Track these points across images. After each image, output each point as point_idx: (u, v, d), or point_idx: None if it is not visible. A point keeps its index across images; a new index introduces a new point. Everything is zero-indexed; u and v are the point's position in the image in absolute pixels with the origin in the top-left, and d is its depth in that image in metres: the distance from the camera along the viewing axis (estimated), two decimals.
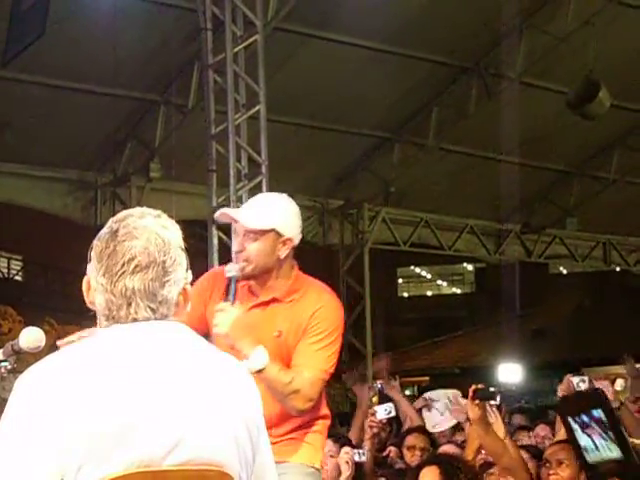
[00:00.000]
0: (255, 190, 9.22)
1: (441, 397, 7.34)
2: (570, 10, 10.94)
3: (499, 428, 5.11)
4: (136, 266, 2.17)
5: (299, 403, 3.90)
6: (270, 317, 3.99)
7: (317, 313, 3.97)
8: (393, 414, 6.58)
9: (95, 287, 2.20)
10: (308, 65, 10.93)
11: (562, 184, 14.64)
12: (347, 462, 5.64)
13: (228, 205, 9.00)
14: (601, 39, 11.12)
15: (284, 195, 4.08)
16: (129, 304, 2.17)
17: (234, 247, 4.06)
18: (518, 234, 15.35)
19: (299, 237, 4.04)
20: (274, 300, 4.01)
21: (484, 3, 10.59)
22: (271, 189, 9.25)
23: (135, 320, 2.18)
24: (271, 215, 3.97)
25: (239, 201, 9.07)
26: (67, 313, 14.53)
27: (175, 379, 2.16)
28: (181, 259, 2.25)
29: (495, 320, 22.24)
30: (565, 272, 24.49)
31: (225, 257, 9.08)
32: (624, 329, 19.16)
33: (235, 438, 2.21)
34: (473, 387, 5.09)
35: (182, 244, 2.28)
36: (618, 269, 17.56)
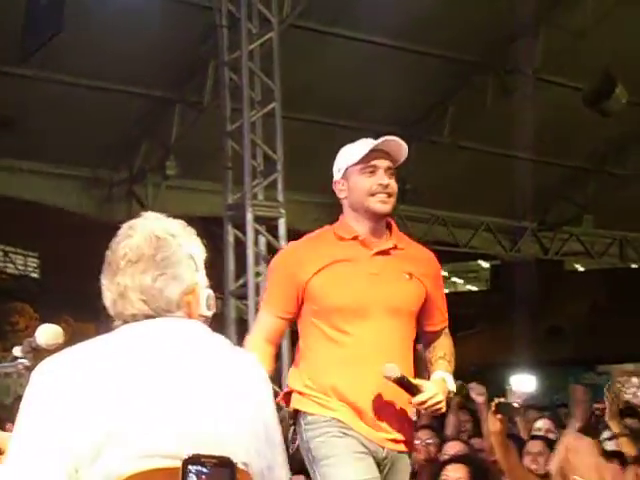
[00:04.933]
0: (270, 187, 9.24)
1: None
2: (587, 6, 10.89)
3: None
4: (128, 261, 2.23)
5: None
6: (394, 262, 3.88)
7: (435, 263, 4.05)
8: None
9: (103, 289, 2.27)
10: (323, 62, 10.93)
11: (578, 181, 14.60)
12: None
13: (243, 203, 9.00)
14: (618, 35, 11.10)
15: None
16: (124, 299, 2.20)
17: (382, 181, 3.83)
18: (534, 231, 15.32)
19: None
20: (395, 247, 3.92)
21: None
22: (286, 186, 9.26)
23: (134, 315, 2.23)
24: (403, 145, 3.87)
25: (254, 198, 9.08)
26: (83, 310, 14.56)
27: (190, 374, 2.17)
28: (183, 258, 2.27)
29: (511, 317, 22.19)
30: (581, 269, 24.42)
31: (240, 254, 9.09)
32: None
33: (254, 435, 2.22)
34: (496, 401, 5.09)
35: (192, 250, 2.31)
36: (634, 266, 17.48)
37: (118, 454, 2.04)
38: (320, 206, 12.08)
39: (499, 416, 5.04)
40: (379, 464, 3.75)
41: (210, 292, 2.34)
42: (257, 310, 8.95)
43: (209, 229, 10.67)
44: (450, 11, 10.64)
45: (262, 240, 9.21)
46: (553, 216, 14.85)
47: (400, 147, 3.85)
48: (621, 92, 11.03)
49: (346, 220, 3.91)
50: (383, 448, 3.75)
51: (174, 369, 2.16)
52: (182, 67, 10.89)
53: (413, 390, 3.70)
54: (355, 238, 3.86)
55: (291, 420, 3.81)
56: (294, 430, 3.80)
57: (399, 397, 3.76)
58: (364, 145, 3.87)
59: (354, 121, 11.98)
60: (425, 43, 11.16)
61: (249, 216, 8.95)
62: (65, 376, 2.09)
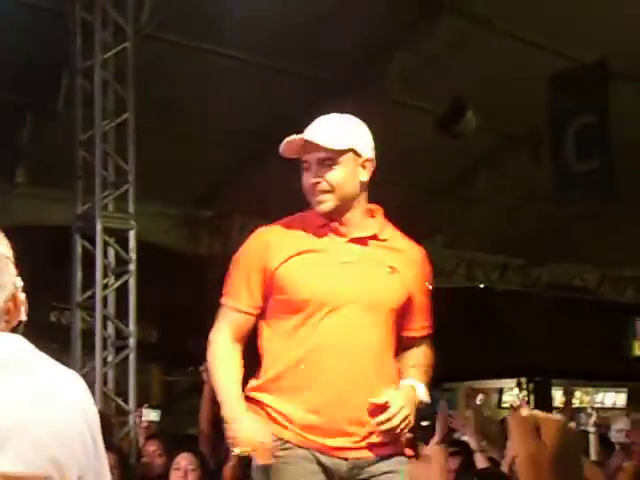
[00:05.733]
0: (121, 198, 9.13)
1: None
2: (440, 32, 11.15)
3: None
4: None
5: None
6: (373, 253, 3.54)
7: (425, 263, 3.71)
8: None
9: None
10: (182, 74, 10.86)
11: (429, 201, 14.88)
12: None
13: (93, 214, 8.87)
14: (470, 61, 11.38)
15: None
16: None
17: (310, 180, 3.52)
18: None
19: (374, 158, 3.62)
20: (374, 237, 3.57)
21: (358, 19, 10.70)
22: (138, 198, 9.17)
23: None
24: (347, 132, 3.53)
25: (104, 209, 8.95)
26: None
27: (16, 394, 2.11)
28: (4, 265, 2.20)
29: None
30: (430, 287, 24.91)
31: (88, 265, 8.94)
32: (486, 345, 19.55)
33: (84, 450, 2.17)
34: None
35: (6, 251, 2.23)
36: (481, 285, 17.91)
37: None
38: (172, 218, 12.00)
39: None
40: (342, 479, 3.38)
41: (24, 295, 2.28)
42: (104, 323, 8.89)
43: (58, 239, 10.47)
44: (306, 27, 10.72)
45: (111, 252, 9.10)
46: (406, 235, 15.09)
47: (327, 133, 3.51)
48: (471, 117, 11.33)
49: None
50: (346, 460, 3.38)
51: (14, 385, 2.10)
52: (35, 73, 10.65)
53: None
54: (327, 225, 3.54)
55: None
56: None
57: (372, 396, 3.39)
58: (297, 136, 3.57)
59: (211, 134, 11.94)
60: (280, 59, 11.22)
61: (99, 227, 8.83)
62: None
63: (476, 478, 5.47)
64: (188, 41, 10.65)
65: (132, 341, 8.94)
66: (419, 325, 3.65)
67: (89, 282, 8.96)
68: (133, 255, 8.99)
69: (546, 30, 11.30)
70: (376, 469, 3.42)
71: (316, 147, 3.49)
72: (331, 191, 3.48)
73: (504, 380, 20.72)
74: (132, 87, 9.10)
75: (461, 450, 6.66)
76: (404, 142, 12.65)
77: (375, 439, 3.40)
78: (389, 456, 3.45)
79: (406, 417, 3.37)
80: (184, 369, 17.74)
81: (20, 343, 2.22)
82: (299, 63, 11.44)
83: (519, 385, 20.16)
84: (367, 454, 3.41)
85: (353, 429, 3.39)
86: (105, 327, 8.94)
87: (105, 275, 8.97)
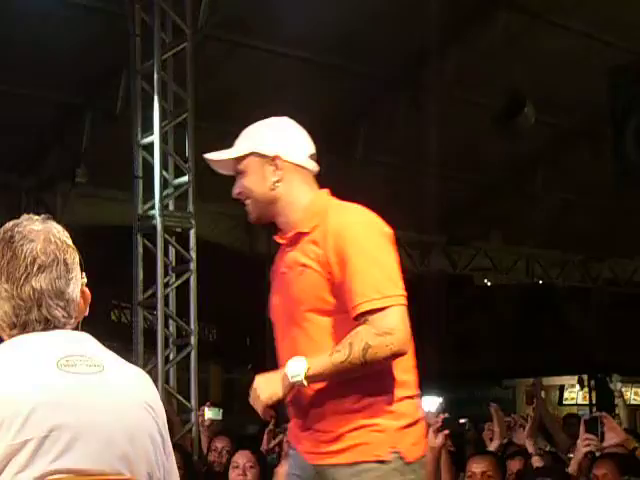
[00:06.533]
0: (181, 198, 9.21)
1: None
2: (497, 25, 11.08)
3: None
4: (40, 266, 2.18)
5: (383, 352, 3.10)
6: (294, 255, 3.33)
7: (341, 238, 3.21)
8: None
9: None
10: (238, 73, 10.91)
11: (487, 197, 14.80)
12: None
13: (153, 213, 8.95)
14: (528, 55, 11.30)
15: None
16: (39, 305, 2.16)
17: (233, 194, 3.55)
18: (443, 246, 15.48)
19: (297, 151, 3.44)
20: (299, 234, 3.35)
21: (411, 16, 10.68)
22: (197, 197, 9.24)
23: (47, 320, 2.17)
24: (245, 138, 3.49)
25: (165, 208, 9.02)
26: None
27: (99, 389, 2.14)
28: (77, 259, 2.25)
29: (419, 332, 22.37)
30: (489, 284, 24.73)
31: (150, 264, 9.02)
32: (546, 342, 19.40)
33: (155, 447, 2.21)
34: (441, 416, 5.14)
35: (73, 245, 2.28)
36: (540, 282, 17.78)
37: (26, 467, 2.01)
38: (232, 217, 12.05)
39: (446, 432, 5.07)
40: None
41: (88, 291, 2.33)
42: (165, 322, 8.96)
43: (118, 238, 10.58)
44: (365, 27, 10.72)
45: (172, 251, 9.18)
46: (462, 231, 15.04)
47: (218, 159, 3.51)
48: (530, 111, 11.25)
49: None
50: (311, 464, 3.31)
51: (85, 384, 2.13)
52: (94, 74, 10.77)
53: None
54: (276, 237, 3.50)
55: None
56: None
57: (323, 402, 3.22)
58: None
59: None
60: (341, 58, 11.23)
61: (159, 226, 8.90)
62: None
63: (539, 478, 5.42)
64: (245, 39, 10.70)
65: (193, 339, 8.99)
66: (350, 306, 3.17)
67: (150, 281, 9.04)
68: (193, 254, 9.06)
69: (603, 22, 11.19)
70: (327, 475, 3.28)
71: (219, 162, 3.52)
72: (248, 198, 3.46)
73: (565, 377, 20.55)
74: (191, 87, 9.16)
75: (519, 452, 6.64)
76: (462, 138, 12.62)
77: (325, 447, 3.26)
78: (342, 465, 3.23)
79: (255, 398, 3.19)
80: (243, 367, 17.85)
81: (94, 342, 2.26)
82: (359, 62, 11.44)
83: (580, 382, 19.97)
84: (323, 460, 3.29)
85: (308, 434, 3.33)
86: (167, 325, 9.01)
87: (166, 274, 9.03)
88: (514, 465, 6.36)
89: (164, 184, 9.05)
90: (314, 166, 3.50)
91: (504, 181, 14.41)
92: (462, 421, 5.85)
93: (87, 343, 2.22)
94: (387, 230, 3.40)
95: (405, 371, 3.30)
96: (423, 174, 13.16)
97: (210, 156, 3.53)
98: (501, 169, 14.10)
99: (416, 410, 3.31)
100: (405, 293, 3.24)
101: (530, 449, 6.28)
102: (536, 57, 11.42)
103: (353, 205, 3.40)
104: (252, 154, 3.44)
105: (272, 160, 3.40)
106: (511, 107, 11.32)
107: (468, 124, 12.45)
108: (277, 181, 3.40)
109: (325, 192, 3.50)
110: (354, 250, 3.20)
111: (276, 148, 3.42)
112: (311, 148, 3.52)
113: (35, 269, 2.16)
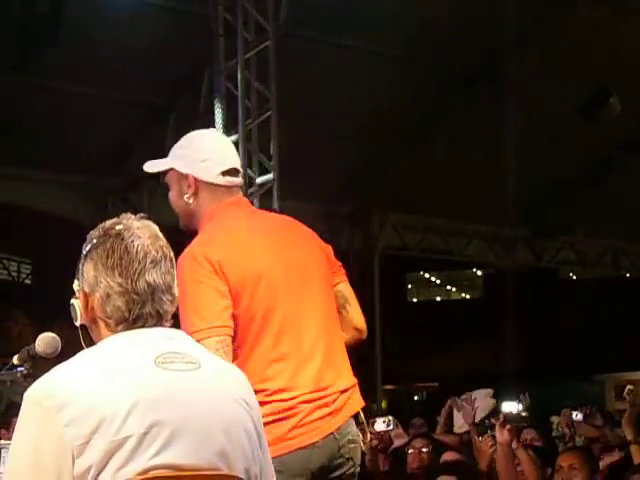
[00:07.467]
0: (266, 196, 9.25)
1: (481, 397, 7.08)
2: (577, 20, 10.96)
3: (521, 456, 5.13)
4: (152, 261, 2.23)
5: None
6: None
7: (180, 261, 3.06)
8: (392, 427, 6.62)
9: (109, 293, 2.22)
10: (319, 70, 10.94)
11: (572, 190, 14.62)
12: None
13: None
14: (611, 46, 11.15)
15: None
16: (153, 299, 2.20)
17: None
18: (528, 239, 15.34)
19: (209, 170, 3.43)
20: None
21: (491, 10, 10.60)
22: (282, 195, 9.28)
23: (159, 314, 2.22)
24: (172, 152, 3.52)
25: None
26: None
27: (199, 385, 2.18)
28: (172, 271, 2.30)
29: (504, 326, 22.21)
30: (575, 278, 24.45)
31: None
32: (634, 335, 19.13)
33: (251, 441, 2.23)
34: (504, 412, 5.09)
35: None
36: (627, 275, 17.55)
37: (127, 463, 2.04)
38: (315, 214, 12.09)
39: (508, 426, 5.03)
40: None
41: None
42: None
43: None
44: (445, 21, 10.67)
45: None
46: (547, 225, 14.88)
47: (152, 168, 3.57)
48: (615, 102, 11.09)
49: None
50: None
51: (182, 380, 2.17)
52: (177, 75, 10.89)
53: None
54: None
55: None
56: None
57: None
58: None
59: (343, 129, 11.94)
60: (424, 53, 11.18)
61: None
62: (58, 399, 2.07)
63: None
64: (326, 37, 10.72)
65: None
66: None
67: None
68: None
69: None
70: None
71: (157, 174, 3.56)
72: (175, 208, 3.51)
73: None
74: (274, 85, 9.19)
75: (616, 444, 6.57)
76: (545, 132, 12.48)
77: None
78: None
79: None
80: None
81: (189, 338, 2.31)
82: (439, 57, 11.38)
83: None
84: None
85: None
86: None
87: None
88: (608, 459, 6.32)
89: (249, 182, 9.11)
90: (228, 181, 3.48)
91: (588, 173, 14.22)
92: (552, 419, 5.82)
93: (183, 340, 2.26)
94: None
95: None
96: (506, 167, 13.04)
97: (145, 167, 3.60)
98: (585, 161, 13.92)
99: None
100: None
101: (629, 436, 6.19)
102: (618, 47, 11.27)
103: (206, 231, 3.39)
104: (172, 169, 3.50)
105: (185, 177, 3.45)
106: (597, 98, 11.17)
107: (551, 117, 12.32)
108: (190, 197, 3.44)
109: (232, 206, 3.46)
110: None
111: (189, 166, 3.45)
112: (229, 162, 3.51)
113: (148, 263, 2.21)
